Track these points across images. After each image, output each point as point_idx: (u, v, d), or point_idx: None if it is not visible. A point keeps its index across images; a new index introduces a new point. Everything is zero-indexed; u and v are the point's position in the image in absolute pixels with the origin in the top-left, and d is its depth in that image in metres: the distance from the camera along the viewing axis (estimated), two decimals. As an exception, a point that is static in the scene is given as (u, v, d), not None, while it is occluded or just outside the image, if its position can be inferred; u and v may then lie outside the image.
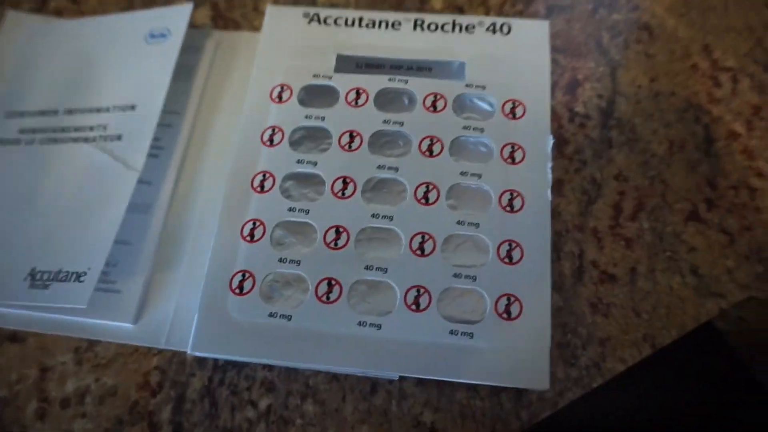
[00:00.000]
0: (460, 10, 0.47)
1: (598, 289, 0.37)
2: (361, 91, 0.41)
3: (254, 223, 0.37)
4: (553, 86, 0.43)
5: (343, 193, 0.37)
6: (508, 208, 0.37)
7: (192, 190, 0.40)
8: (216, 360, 0.36)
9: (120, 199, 0.37)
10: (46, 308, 0.36)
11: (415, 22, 0.43)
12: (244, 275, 0.35)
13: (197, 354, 0.34)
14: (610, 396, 0.29)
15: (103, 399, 0.35)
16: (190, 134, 0.42)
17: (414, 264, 0.35)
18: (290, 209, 0.37)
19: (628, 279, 0.37)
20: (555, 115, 0.42)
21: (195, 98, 0.43)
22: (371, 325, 0.34)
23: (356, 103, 0.40)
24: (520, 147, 0.38)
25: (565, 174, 0.40)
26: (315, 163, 0.38)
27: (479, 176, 0.38)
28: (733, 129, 0.42)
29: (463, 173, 0.38)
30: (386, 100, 0.41)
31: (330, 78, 0.41)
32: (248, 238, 0.36)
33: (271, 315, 0.34)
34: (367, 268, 0.35)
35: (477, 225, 0.36)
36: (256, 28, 0.45)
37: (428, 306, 0.34)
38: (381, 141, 0.39)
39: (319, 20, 0.44)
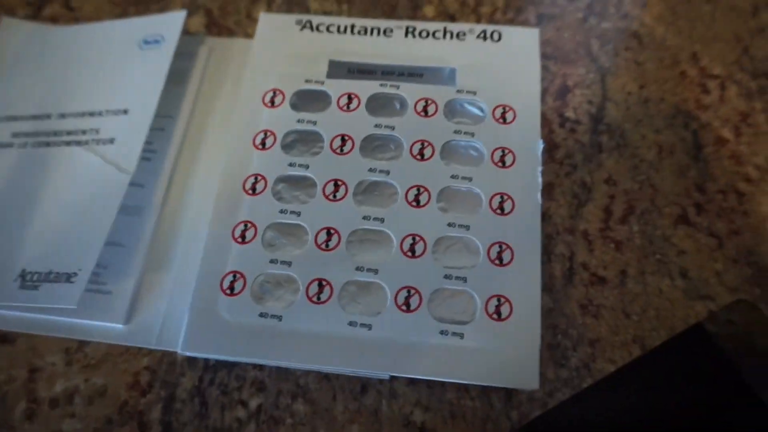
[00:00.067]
0: (452, 18, 0.47)
1: (588, 290, 0.37)
2: (353, 96, 0.41)
3: (246, 225, 0.37)
4: (544, 92, 0.44)
5: (335, 196, 0.38)
6: (498, 211, 0.37)
7: (184, 192, 0.40)
8: (207, 360, 0.36)
9: (112, 201, 0.37)
10: (36, 309, 0.36)
11: (407, 29, 0.44)
12: (235, 276, 0.35)
13: (188, 354, 0.34)
14: (600, 396, 0.29)
15: (92, 399, 0.35)
16: (183, 138, 0.42)
17: (405, 265, 0.36)
18: (282, 211, 0.37)
19: (618, 281, 0.38)
20: (546, 121, 0.43)
21: (188, 103, 0.43)
22: (362, 325, 0.34)
23: (348, 107, 0.41)
24: (510, 151, 0.39)
25: (555, 178, 0.41)
26: (307, 166, 0.39)
27: (470, 179, 0.38)
28: (721, 135, 0.42)
29: (453, 176, 0.38)
30: (378, 105, 0.41)
31: (322, 83, 0.42)
32: (240, 240, 0.36)
33: (261, 315, 0.35)
34: (358, 269, 0.35)
35: (467, 227, 0.37)
36: (250, 35, 0.45)
37: (419, 306, 0.34)
38: (372, 145, 0.40)
39: (311, 27, 0.44)
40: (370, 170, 0.38)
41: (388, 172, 0.38)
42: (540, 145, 0.39)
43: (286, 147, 0.40)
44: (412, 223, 0.37)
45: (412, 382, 0.35)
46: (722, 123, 0.43)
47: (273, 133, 0.40)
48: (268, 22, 0.45)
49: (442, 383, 0.35)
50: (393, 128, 0.40)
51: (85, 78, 0.43)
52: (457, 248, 0.36)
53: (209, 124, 0.43)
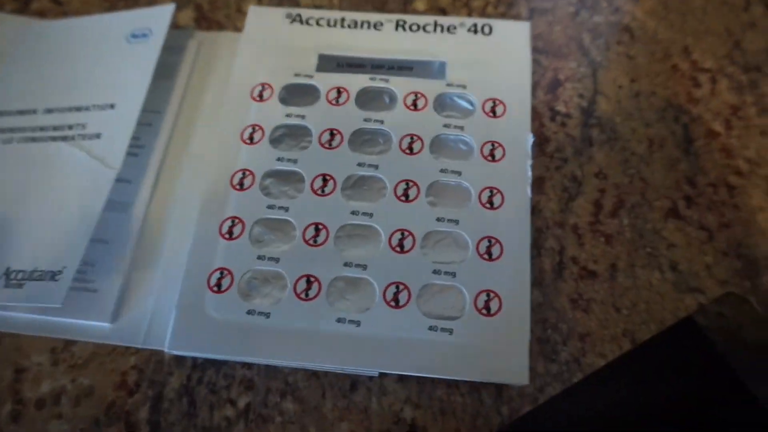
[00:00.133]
0: (443, 12, 0.47)
1: (579, 285, 0.37)
2: (342, 90, 0.41)
3: (233, 221, 0.37)
4: (535, 86, 0.44)
5: (323, 191, 0.37)
6: (488, 205, 0.37)
7: (172, 188, 0.40)
8: (194, 359, 0.35)
9: (97, 197, 0.37)
10: (21, 308, 0.36)
11: (397, 22, 0.44)
12: (222, 273, 0.35)
13: (175, 353, 0.34)
14: (591, 391, 0.29)
15: (79, 399, 0.35)
16: (171, 133, 0.42)
17: (393, 260, 0.35)
18: (269, 206, 0.37)
19: (608, 275, 0.37)
20: (536, 114, 0.42)
21: (176, 97, 0.43)
22: (350, 321, 0.34)
23: (337, 101, 0.40)
24: (500, 145, 0.39)
25: (546, 171, 0.41)
26: (295, 161, 0.38)
27: (459, 173, 0.38)
28: (712, 128, 0.42)
29: (443, 170, 0.38)
30: (367, 98, 0.41)
31: (311, 77, 0.41)
32: (227, 236, 0.36)
33: (249, 312, 0.34)
34: (346, 264, 0.35)
35: (457, 222, 0.36)
36: (240, 29, 0.45)
37: (408, 302, 0.34)
38: (361, 139, 0.39)
39: (301, 21, 0.44)
40: (359, 164, 0.38)
41: (376, 167, 0.38)
42: (530, 139, 0.39)
43: (275, 141, 0.39)
44: (401, 217, 0.36)
45: (401, 378, 0.35)
46: (713, 116, 0.42)
47: (261, 128, 0.39)
48: (257, 15, 0.44)
49: (432, 379, 0.34)
50: (382, 122, 0.39)
51: (72, 72, 0.43)
52: (446, 243, 0.36)
53: (197, 118, 0.42)
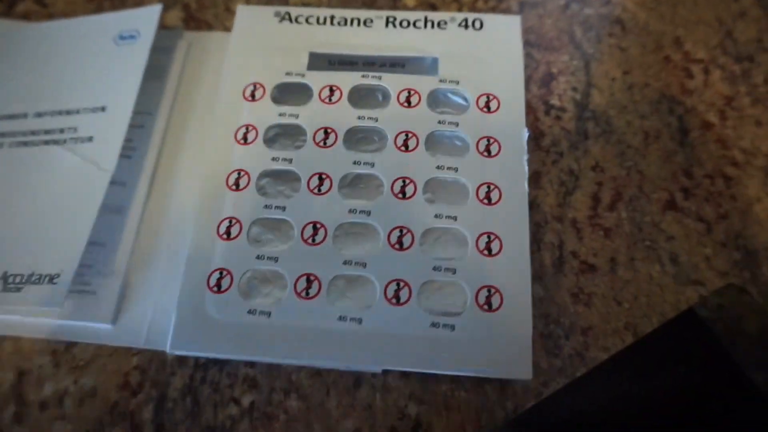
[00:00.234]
0: (433, 7, 0.47)
1: (579, 279, 0.37)
2: (334, 88, 0.40)
3: (230, 221, 0.36)
4: (528, 80, 0.43)
5: (320, 189, 0.37)
6: (485, 201, 0.37)
7: (167, 189, 0.40)
8: (197, 358, 0.35)
9: (92, 200, 0.36)
10: (21, 311, 0.35)
11: (387, 19, 0.43)
12: (221, 273, 0.35)
13: (176, 353, 0.34)
14: (594, 384, 0.29)
15: (82, 401, 0.34)
16: (164, 134, 0.41)
17: (393, 258, 0.35)
18: (266, 206, 0.37)
19: (608, 268, 0.37)
20: (530, 109, 0.42)
21: (168, 99, 0.42)
22: (352, 319, 0.34)
23: (330, 100, 0.40)
24: (495, 140, 0.38)
25: (542, 166, 0.40)
26: (290, 160, 0.38)
27: (456, 170, 0.38)
28: (706, 119, 0.42)
29: (439, 167, 0.38)
30: (360, 96, 0.40)
31: (303, 76, 0.41)
32: (225, 236, 0.36)
33: (250, 312, 0.34)
34: (345, 263, 0.35)
35: (455, 218, 0.36)
36: (229, 29, 0.44)
37: (408, 299, 0.34)
38: (356, 137, 0.39)
39: (290, 19, 0.43)
40: (355, 163, 0.38)
41: (372, 164, 0.38)
42: (525, 134, 0.39)
43: (269, 141, 0.39)
44: (399, 215, 0.36)
45: (405, 375, 0.34)
46: (707, 107, 0.42)
47: (255, 128, 0.39)
48: (246, 14, 0.44)
49: (436, 375, 0.34)
50: (376, 120, 0.39)
51: (61, 75, 0.42)
52: (445, 239, 0.36)
53: (190, 119, 0.42)
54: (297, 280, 0.35)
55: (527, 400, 0.34)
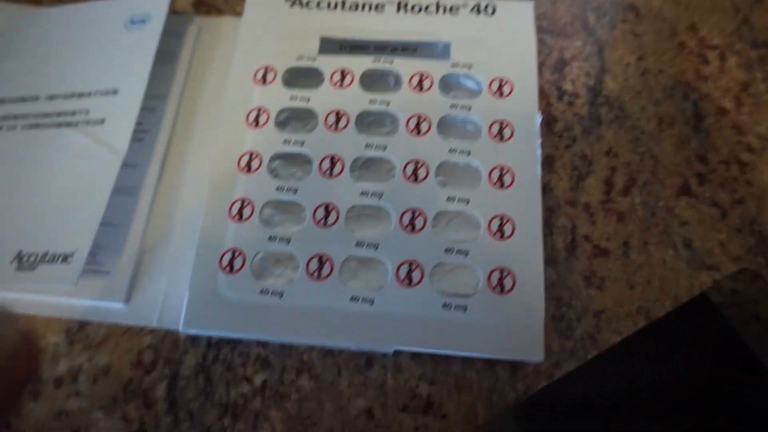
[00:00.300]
0: (446, -7, 0.47)
1: (592, 262, 0.37)
2: (346, 72, 0.40)
3: (242, 203, 0.36)
4: (541, 66, 0.43)
5: (332, 172, 0.37)
6: (498, 184, 0.36)
7: (178, 172, 0.40)
8: (209, 338, 0.35)
9: (105, 181, 0.36)
10: (36, 289, 0.35)
11: (399, 4, 0.43)
12: (234, 254, 0.35)
13: (189, 332, 0.34)
14: (606, 367, 0.29)
15: (96, 378, 0.35)
16: (175, 118, 0.41)
17: (405, 240, 0.35)
18: (278, 188, 0.37)
19: (621, 252, 0.37)
20: (543, 94, 0.42)
21: (179, 83, 0.43)
22: (364, 300, 0.34)
23: (341, 84, 0.40)
24: (508, 124, 0.38)
25: (555, 151, 0.40)
26: (302, 143, 0.38)
27: (468, 153, 0.37)
28: (721, 105, 0.42)
29: (451, 151, 0.38)
30: (371, 80, 0.40)
31: (314, 60, 0.41)
32: (237, 218, 0.36)
33: (262, 292, 0.34)
34: (357, 244, 0.35)
35: (467, 201, 0.36)
36: (239, 14, 0.44)
37: (421, 281, 0.34)
38: (367, 121, 0.39)
39: (301, 4, 0.43)
40: (367, 146, 0.38)
41: (384, 148, 0.38)
42: (538, 118, 0.38)
43: (280, 124, 0.39)
44: (411, 197, 0.36)
45: (416, 355, 0.34)
46: (723, 93, 0.42)
47: (266, 111, 0.39)
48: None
49: (447, 356, 0.34)
50: (388, 104, 0.39)
51: (73, 59, 0.43)
52: (457, 222, 0.36)
53: (200, 103, 0.42)
54: (309, 261, 0.35)
55: (538, 382, 0.34)
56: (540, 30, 0.44)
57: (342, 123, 0.38)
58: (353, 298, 0.34)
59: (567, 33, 0.45)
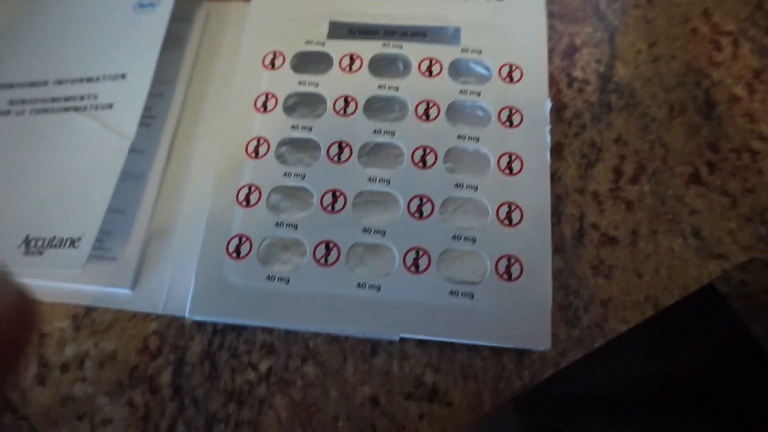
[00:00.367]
0: (456, -22, 0.46)
1: (599, 251, 0.37)
2: (355, 56, 0.40)
3: (250, 189, 0.36)
4: (551, 52, 0.43)
5: (339, 158, 0.37)
6: (507, 171, 0.36)
7: (186, 157, 0.40)
8: (215, 324, 0.35)
9: (113, 166, 0.36)
10: (42, 274, 0.35)
11: (409, -12, 0.43)
12: (240, 239, 0.35)
13: (195, 318, 0.34)
14: (613, 356, 0.29)
15: (103, 363, 0.35)
16: (183, 103, 0.41)
17: (412, 226, 0.35)
18: (286, 174, 0.36)
19: (629, 241, 0.37)
20: (553, 81, 0.42)
21: (187, 68, 0.42)
22: (370, 286, 0.34)
23: (350, 68, 0.40)
24: (518, 110, 0.38)
25: (564, 138, 0.40)
26: (310, 129, 0.38)
27: (477, 139, 0.37)
28: (734, 93, 0.41)
29: (460, 137, 0.37)
30: (380, 65, 0.40)
31: (323, 44, 0.41)
32: (244, 203, 0.36)
33: (268, 278, 0.34)
34: (365, 231, 0.35)
35: (475, 188, 0.36)
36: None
37: (428, 267, 0.34)
38: (376, 106, 0.39)
39: None
40: (375, 132, 0.38)
41: (393, 133, 0.37)
42: (548, 104, 0.38)
43: (288, 109, 0.39)
44: (419, 184, 0.36)
45: (422, 343, 0.34)
46: (735, 80, 0.42)
47: (274, 96, 0.39)
48: None
49: (453, 344, 0.34)
50: (397, 89, 0.39)
51: (81, 43, 0.43)
52: (465, 209, 0.36)
53: (209, 88, 0.42)
54: (316, 247, 0.35)
55: (545, 370, 0.34)
56: (551, 15, 0.44)
57: (350, 108, 0.38)
58: (360, 285, 0.34)
59: (578, 19, 0.44)
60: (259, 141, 0.37)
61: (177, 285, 0.36)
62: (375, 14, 0.42)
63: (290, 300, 0.33)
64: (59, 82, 0.41)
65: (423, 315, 0.33)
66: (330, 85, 0.39)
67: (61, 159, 0.38)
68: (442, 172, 0.36)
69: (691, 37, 0.43)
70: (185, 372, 0.34)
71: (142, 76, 0.39)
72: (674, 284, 0.36)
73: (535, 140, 0.37)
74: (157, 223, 0.38)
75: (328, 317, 0.33)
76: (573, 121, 0.41)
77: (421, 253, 0.34)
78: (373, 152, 0.37)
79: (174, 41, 0.42)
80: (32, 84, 0.41)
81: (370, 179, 0.36)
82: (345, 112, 0.38)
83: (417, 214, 0.35)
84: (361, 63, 0.40)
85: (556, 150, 0.39)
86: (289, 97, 0.39)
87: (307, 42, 0.41)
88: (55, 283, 0.36)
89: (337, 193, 0.36)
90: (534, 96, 0.38)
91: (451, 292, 0.33)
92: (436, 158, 0.37)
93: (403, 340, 0.34)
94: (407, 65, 0.40)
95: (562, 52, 0.43)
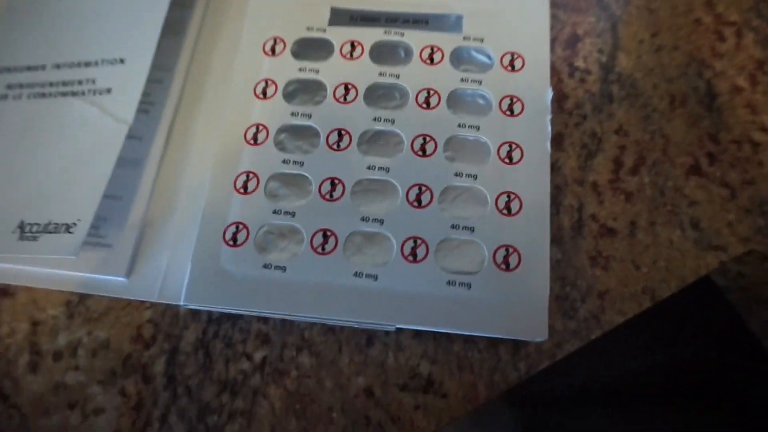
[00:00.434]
0: (458, -35, 0.46)
1: (598, 242, 0.37)
2: (356, 43, 0.40)
3: (248, 176, 0.36)
4: (553, 41, 0.42)
5: (339, 145, 0.37)
6: (506, 160, 0.36)
7: (184, 144, 0.39)
8: (210, 313, 0.35)
9: (109, 151, 0.36)
10: (36, 261, 0.35)
11: (411, -25, 0.42)
12: (237, 227, 0.35)
13: (190, 306, 0.34)
14: (609, 347, 0.29)
15: (96, 352, 0.35)
16: (182, 89, 0.41)
17: (411, 215, 0.35)
18: (284, 161, 0.36)
19: (627, 232, 0.37)
20: (554, 70, 0.41)
21: (186, 54, 0.42)
22: (367, 275, 0.33)
23: (351, 55, 0.39)
24: (519, 99, 0.38)
25: (564, 128, 0.40)
26: (309, 116, 0.38)
27: (477, 128, 0.37)
28: (736, 84, 0.41)
29: (461, 125, 0.37)
30: (382, 52, 0.40)
31: (324, 31, 0.40)
32: (242, 190, 0.36)
33: (265, 266, 0.34)
34: (363, 219, 0.35)
35: (475, 177, 0.36)
36: (249, -16, 0.44)
37: (425, 257, 0.34)
38: (377, 93, 0.38)
39: None
40: (375, 119, 0.37)
41: (393, 121, 0.37)
42: (549, 94, 0.38)
43: (288, 96, 0.39)
44: (418, 172, 0.36)
45: (418, 334, 0.34)
46: (738, 71, 0.41)
47: (274, 82, 0.39)
48: None
49: (449, 335, 0.34)
50: (398, 76, 0.39)
51: (79, 27, 0.42)
52: (464, 198, 0.35)
53: (208, 74, 0.42)
54: (313, 235, 0.34)
55: (541, 362, 0.34)
56: (553, 4, 0.44)
57: (350, 96, 0.38)
58: (357, 274, 0.34)
59: (580, 8, 0.44)
60: (258, 128, 0.37)
61: (173, 273, 0.36)
62: (376, 1, 0.41)
63: (287, 288, 0.33)
64: (57, 67, 0.41)
65: (420, 305, 0.33)
66: (330, 72, 0.39)
67: (58, 144, 0.38)
68: (441, 161, 0.36)
69: (694, 28, 0.43)
70: (179, 361, 0.34)
71: (141, 61, 0.39)
72: (672, 276, 0.36)
73: (535, 130, 0.37)
74: (154, 211, 0.37)
75: (325, 306, 0.33)
76: (574, 111, 0.40)
77: (419, 242, 0.34)
78: (372, 140, 0.37)
79: (174, 27, 0.42)
80: (30, 68, 0.41)
81: (369, 167, 0.36)
82: (345, 99, 0.38)
83: (416, 203, 0.35)
84: (362, 50, 0.40)
85: (557, 140, 0.39)
86: (289, 83, 0.39)
87: (308, 28, 0.40)
88: (50, 269, 0.36)
89: (336, 181, 0.36)
90: (535, 85, 0.38)
91: (449, 282, 0.33)
92: (435, 147, 0.36)
93: (398, 330, 0.34)
94: (408, 53, 0.40)
95: (564, 42, 0.43)
